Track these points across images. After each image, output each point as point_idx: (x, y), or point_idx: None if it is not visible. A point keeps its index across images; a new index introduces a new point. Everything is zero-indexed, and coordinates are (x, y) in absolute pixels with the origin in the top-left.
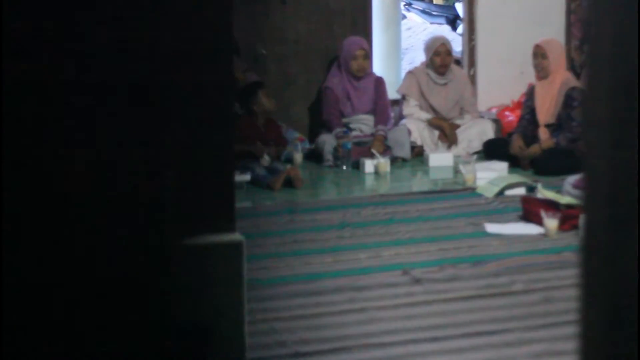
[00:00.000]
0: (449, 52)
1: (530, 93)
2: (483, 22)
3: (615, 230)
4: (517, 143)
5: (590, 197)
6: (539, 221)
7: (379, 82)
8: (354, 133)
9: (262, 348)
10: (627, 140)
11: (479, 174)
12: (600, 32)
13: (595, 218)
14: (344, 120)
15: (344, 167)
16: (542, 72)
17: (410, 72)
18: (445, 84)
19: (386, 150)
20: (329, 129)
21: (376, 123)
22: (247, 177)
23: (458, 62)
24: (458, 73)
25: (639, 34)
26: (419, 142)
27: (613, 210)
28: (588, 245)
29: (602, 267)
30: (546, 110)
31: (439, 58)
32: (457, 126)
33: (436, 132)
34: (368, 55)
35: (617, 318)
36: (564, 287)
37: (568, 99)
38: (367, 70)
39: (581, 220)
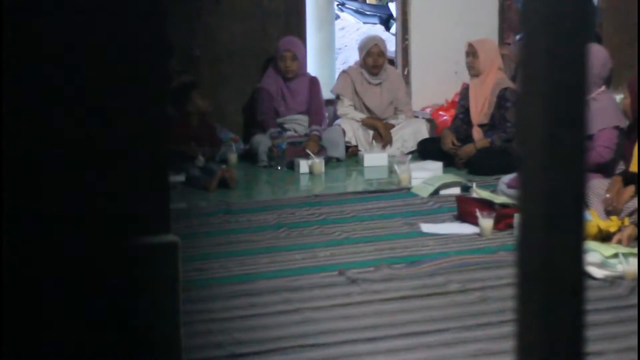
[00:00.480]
0: (381, 52)
1: (464, 93)
2: (416, 22)
3: (550, 229)
4: (448, 139)
5: (525, 196)
6: (474, 221)
7: (313, 82)
8: (288, 133)
9: (198, 350)
10: (562, 139)
11: (414, 174)
12: (533, 30)
13: (530, 217)
14: (279, 120)
15: (279, 168)
16: (472, 71)
17: (344, 72)
18: (379, 84)
19: (321, 150)
20: (264, 130)
21: (310, 123)
22: (181, 178)
23: (392, 62)
24: (392, 73)
25: (574, 31)
26: (353, 142)
27: (548, 209)
28: (523, 244)
29: (538, 266)
30: (479, 110)
31: (371, 59)
32: (392, 126)
33: (371, 132)
34: (296, 57)
35: (553, 317)
36: (500, 286)
37: (501, 100)
38: (295, 72)
39: (516, 219)
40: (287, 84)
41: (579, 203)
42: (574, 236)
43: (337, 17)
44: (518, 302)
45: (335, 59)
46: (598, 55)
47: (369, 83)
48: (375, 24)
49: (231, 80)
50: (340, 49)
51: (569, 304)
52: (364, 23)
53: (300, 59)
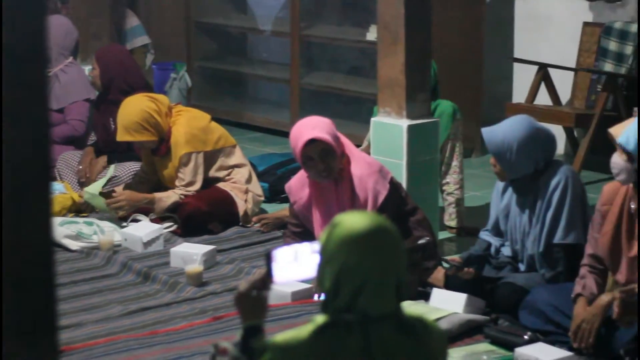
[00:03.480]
0: None
1: None
2: None
3: (17, 204)
4: None
5: None
6: None
7: None
8: None
9: None
10: (23, 113)
11: None
12: None
13: None
14: None
15: None
16: None
17: None
18: None
19: None
20: None
21: None
22: None
23: None
24: None
25: (30, 2)
26: None
27: (13, 184)
28: None
29: (5, 242)
30: None
31: None
32: None
33: None
34: None
35: (23, 294)
36: None
37: None
38: None
39: None
40: None
41: (46, 176)
42: (41, 210)
43: None
44: None
45: None
46: (60, 25)
47: None
48: None
49: None
50: None
51: (39, 278)
52: None
53: None
